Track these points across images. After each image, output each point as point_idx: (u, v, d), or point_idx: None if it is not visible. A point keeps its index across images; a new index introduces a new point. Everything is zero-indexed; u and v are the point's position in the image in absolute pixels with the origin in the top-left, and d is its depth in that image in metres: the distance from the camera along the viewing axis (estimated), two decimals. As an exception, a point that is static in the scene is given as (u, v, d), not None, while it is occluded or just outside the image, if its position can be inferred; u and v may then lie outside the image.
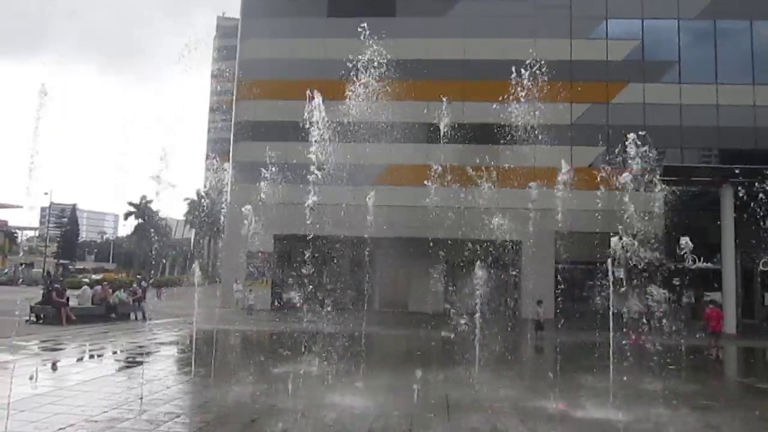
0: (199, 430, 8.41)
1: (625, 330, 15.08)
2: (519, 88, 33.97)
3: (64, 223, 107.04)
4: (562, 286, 32.58)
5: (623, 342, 12.90)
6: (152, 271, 72.90)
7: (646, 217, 24.24)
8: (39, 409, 8.83)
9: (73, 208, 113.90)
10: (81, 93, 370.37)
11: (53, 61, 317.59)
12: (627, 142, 13.90)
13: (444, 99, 34.18)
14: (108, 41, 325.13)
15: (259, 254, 32.64)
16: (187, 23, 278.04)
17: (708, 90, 33.27)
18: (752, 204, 28.19)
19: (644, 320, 19.87)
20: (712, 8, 33.93)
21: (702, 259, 30.58)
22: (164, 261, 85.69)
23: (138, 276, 45.24)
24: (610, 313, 12.08)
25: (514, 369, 14.70)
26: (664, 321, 12.53)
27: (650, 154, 14.67)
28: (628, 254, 13.58)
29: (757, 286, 32.40)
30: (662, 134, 33.54)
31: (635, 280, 14.28)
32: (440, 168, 31.90)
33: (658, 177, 27.54)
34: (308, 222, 14.03)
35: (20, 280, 58.55)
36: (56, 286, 23.70)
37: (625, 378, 12.43)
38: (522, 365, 16.59)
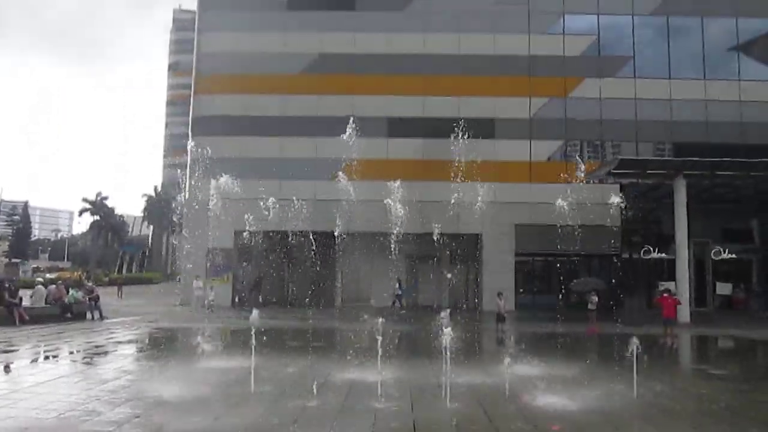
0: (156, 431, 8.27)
1: (584, 319, 15.34)
2: (479, 84, 34.41)
3: (15, 221, 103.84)
4: (522, 278, 33.09)
5: (582, 331, 13.13)
6: (107, 271, 71.42)
7: (603, 211, 24.83)
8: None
9: (25, 205, 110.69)
10: (34, 87, 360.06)
11: (8, 53, 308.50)
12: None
13: (404, 93, 34.33)
14: (67, 35, 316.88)
15: (219, 251, 32.15)
16: (148, 15, 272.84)
17: (662, 85, 34.10)
18: (704, 195, 29.05)
19: (601, 310, 20.28)
20: (665, 5, 34.76)
21: (657, 249, 31.41)
22: (121, 259, 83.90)
23: (85, 273, 44.10)
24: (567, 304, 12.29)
25: (475, 359, 14.82)
26: (622, 310, 12.80)
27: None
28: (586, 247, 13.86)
29: (709, 276, 33.38)
30: (618, 128, 34.36)
31: (593, 272, 14.59)
32: (401, 162, 32.06)
33: (614, 170, 28.28)
34: (268, 217, 13.91)
35: None
36: (7, 285, 22.97)
37: (580, 367, 12.68)
38: (484, 356, 16.74)
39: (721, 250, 32.29)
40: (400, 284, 32.08)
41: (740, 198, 31.09)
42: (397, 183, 18.55)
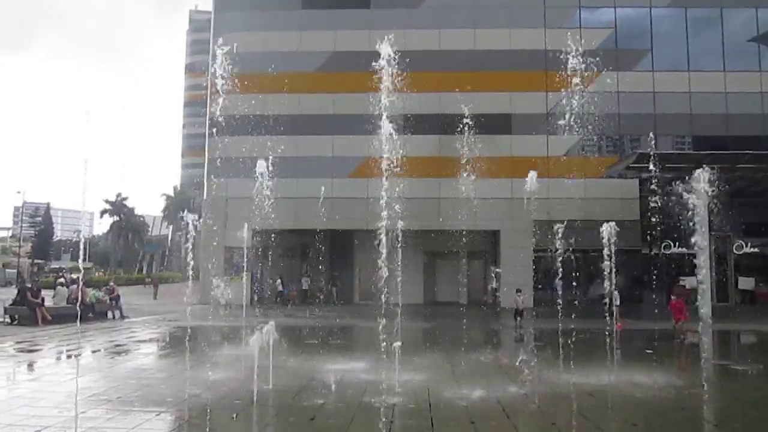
0: (178, 427, 8.34)
1: (604, 317, 15.21)
2: (495, 79, 34.10)
3: (38, 222, 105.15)
4: (541, 275, 32.84)
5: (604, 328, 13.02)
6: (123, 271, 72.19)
7: (622, 205, 24.63)
8: (14, 411, 8.68)
9: (47, 206, 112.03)
10: (56, 89, 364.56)
11: (36, 57, 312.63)
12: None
13: (419, 90, 34.20)
14: (88, 38, 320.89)
15: (236, 249, 32.45)
16: (170, 17, 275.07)
17: (680, 77, 33.66)
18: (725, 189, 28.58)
19: (622, 307, 20.02)
20: (683, -4, 34.33)
21: (677, 244, 31.08)
22: (141, 258, 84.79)
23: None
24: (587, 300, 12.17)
25: (490, 354, 14.79)
26: (642, 306, 12.67)
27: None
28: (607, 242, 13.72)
29: (731, 270, 32.95)
30: (636, 122, 33.99)
31: (612, 269, 14.42)
32: (417, 159, 31.99)
33: (632, 164, 28.01)
34: (283, 216, 13.94)
35: None
36: (28, 285, 23.33)
37: (603, 363, 12.59)
38: (500, 351, 16.67)
39: (743, 244, 31.87)
40: (281, 281, 33.38)
41: (762, 191, 30.65)
42: (414, 180, 18.49)
